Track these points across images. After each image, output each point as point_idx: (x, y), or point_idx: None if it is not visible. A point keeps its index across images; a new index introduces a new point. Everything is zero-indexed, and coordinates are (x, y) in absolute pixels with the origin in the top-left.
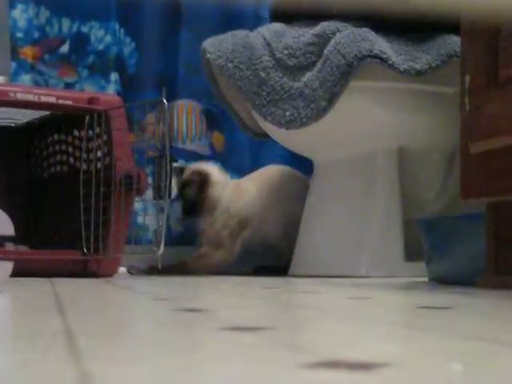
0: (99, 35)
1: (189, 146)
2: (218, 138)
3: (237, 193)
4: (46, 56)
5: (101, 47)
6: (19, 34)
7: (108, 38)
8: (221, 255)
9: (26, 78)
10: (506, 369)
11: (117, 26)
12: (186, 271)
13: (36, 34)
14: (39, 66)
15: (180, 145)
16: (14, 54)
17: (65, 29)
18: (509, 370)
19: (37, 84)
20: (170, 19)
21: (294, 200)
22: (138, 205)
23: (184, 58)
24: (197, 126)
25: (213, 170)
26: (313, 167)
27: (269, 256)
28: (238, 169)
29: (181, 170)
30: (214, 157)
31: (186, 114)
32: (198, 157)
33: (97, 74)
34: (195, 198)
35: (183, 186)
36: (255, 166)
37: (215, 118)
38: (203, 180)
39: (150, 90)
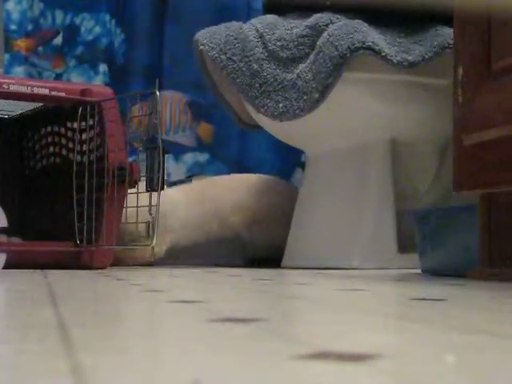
0: (89, 26)
1: (172, 137)
2: (205, 129)
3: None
4: (40, 48)
5: (91, 38)
6: (13, 27)
7: (98, 29)
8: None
9: (19, 70)
10: (499, 360)
11: (107, 17)
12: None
13: (30, 26)
14: (32, 58)
15: (163, 136)
16: (8, 46)
17: (58, 21)
18: (501, 360)
19: (30, 76)
20: (156, 10)
21: (255, 195)
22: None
23: (169, 49)
24: (180, 118)
25: None
26: (301, 158)
27: (232, 248)
28: (226, 159)
29: None
30: (199, 148)
31: (170, 106)
32: (183, 148)
33: (85, 64)
34: None
35: None
36: (243, 156)
37: (202, 109)
38: None
39: (137, 81)
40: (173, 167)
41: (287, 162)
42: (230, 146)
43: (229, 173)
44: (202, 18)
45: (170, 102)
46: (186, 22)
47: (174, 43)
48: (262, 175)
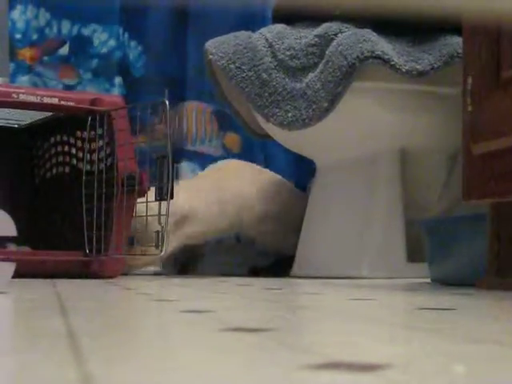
0: (102, 38)
1: (199, 147)
2: (231, 139)
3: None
4: (45, 58)
5: (103, 51)
6: (18, 36)
7: (112, 42)
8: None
9: (24, 79)
10: (509, 370)
11: (120, 30)
12: None
13: (35, 36)
14: (37, 67)
15: (190, 147)
16: (13, 55)
17: (64, 31)
18: (511, 371)
19: (35, 85)
20: (176, 21)
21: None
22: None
23: (192, 59)
24: (207, 128)
25: None
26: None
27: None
28: None
29: None
30: (227, 157)
31: (195, 116)
32: (210, 158)
33: (100, 77)
34: None
35: None
36: (269, 165)
37: (229, 118)
38: None
39: (158, 92)
40: None
41: (307, 169)
42: (256, 156)
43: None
44: (222, 27)
45: (195, 112)
46: (208, 32)
47: (197, 54)
48: (276, 175)
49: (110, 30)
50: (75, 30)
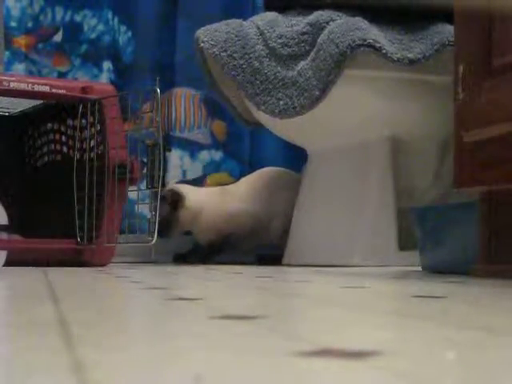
0: (92, 24)
1: (187, 134)
2: (219, 127)
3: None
4: (40, 45)
5: (93, 36)
6: (13, 24)
7: (101, 27)
8: None
9: (19, 67)
10: (499, 358)
11: (110, 15)
12: None
13: (29, 23)
14: (33, 55)
15: (178, 133)
16: (8, 43)
17: (58, 17)
18: (501, 358)
19: (30, 73)
20: (166, 7)
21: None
22: (134, 194)
23: (182, 45)
24: (195, 114)
25: (188, 191)
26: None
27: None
28: (239, 157)
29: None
30: (214, 145)
31: (183, 102)
32: (198, 145)
33: (90, 62)
34: (167, 218)
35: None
36: (256, 153)
37: (216, 106)
38: (177, 200)
39: (148, 78)
40: (189, 165)
41: (298, 157)
42: (243, 144)
43: (241, 170)
44: (212, 13)
45: (184, 99)
46: (198, 18)
47: (186, 39)
48: (283, 169)
49: (99, 15)
50: (68, 17)
